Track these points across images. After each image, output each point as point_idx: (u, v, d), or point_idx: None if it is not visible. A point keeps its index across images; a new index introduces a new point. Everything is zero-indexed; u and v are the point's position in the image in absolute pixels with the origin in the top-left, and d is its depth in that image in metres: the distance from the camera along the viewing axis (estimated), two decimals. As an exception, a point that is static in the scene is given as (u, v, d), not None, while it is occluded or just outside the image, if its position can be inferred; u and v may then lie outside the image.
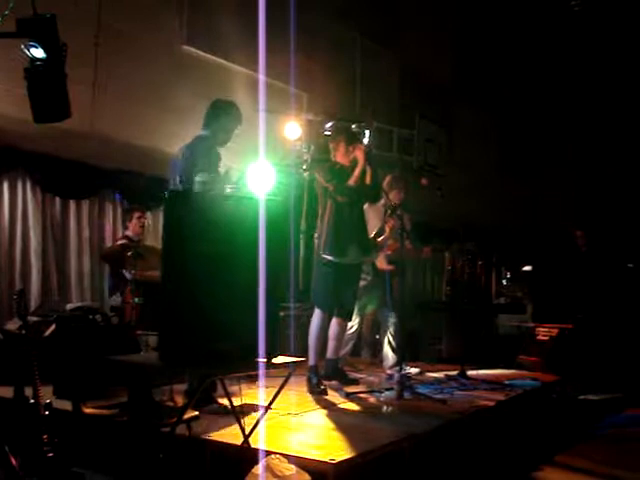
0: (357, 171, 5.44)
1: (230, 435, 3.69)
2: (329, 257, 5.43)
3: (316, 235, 5.66)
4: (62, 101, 3.58)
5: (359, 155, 5.45)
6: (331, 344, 5.70)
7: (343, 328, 5.78)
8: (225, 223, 3.23)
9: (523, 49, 12.47)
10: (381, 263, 6.34)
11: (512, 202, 13.30)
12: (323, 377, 5.64)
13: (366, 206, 6.36)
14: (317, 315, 5.51)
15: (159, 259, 4.59)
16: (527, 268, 10.04)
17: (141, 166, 7.29)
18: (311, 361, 5.42)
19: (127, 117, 7.14)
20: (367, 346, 7.32)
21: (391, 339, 6.34)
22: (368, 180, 5.53)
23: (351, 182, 5.43)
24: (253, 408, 4.13)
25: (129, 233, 6.77)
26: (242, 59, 8.02)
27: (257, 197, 3.64)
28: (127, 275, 5.85)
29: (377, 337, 7.02)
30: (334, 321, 5.64)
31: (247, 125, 7.48)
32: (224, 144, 5.07)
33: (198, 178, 4.56)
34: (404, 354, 6.03)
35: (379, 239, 6.22)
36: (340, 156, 5.59)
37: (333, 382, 5.68)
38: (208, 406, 4.31)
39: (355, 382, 5.80)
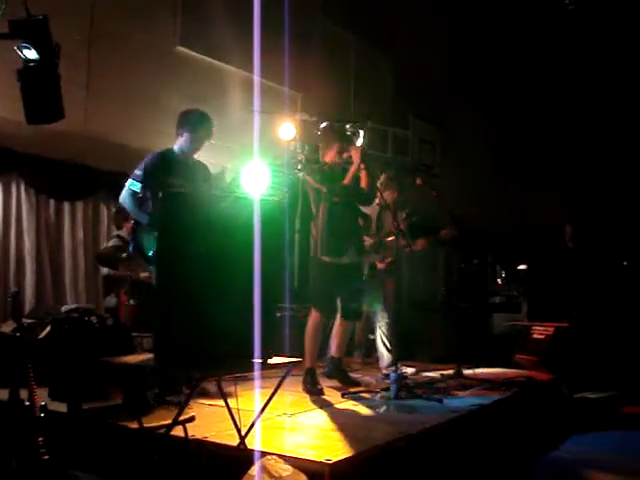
0: (351, 170, 5.43)
1: (226, 436, 3.68)
2: (327, 258, 5.41)
3: (311, 237, 5.62)
4: (55, 102, 3.58)
5: (354, 156, 5.44)
6: (334, 343, 5.69)
7: (347, 328, 5.73)
8: (220, 223, 3.22)
9: (517, 49, 12.48)
10: (380, 263, 6.35)
11: (506, 201, 13.32)
12: (324, 375, 5.64)
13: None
14: (313, 316, 5.49)
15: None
16: (522, 267, 10.05)
17: (135, 167, 7.27)
18: (307, 362, 5.40)
19: (121, 118, 7.13)
20: (360, 346, 7.31)
21: (384, 338, 6.33)
22: (364, 183, 5.53)
23: (345, 182, 5.42)
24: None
25: (122, 233, 6.71)
26: (236, 60, 8.02)
27: (252, 197, 3.64)
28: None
29: (370, 337, 7.01)
30: (338, 321, 5.63)
31: (242, 126, 7.52)
32: (194, 153, 5.17)
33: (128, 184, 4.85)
34: (399, 354, 6.02)
35: (388, 239, 6.23)
36: (330, 156, 5.56)
37: (333, 381, 5.67)
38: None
39: (356, 383, 5.70)
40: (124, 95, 7.16)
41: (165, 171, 4.89)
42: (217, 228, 3.20)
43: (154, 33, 7.55)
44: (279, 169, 8.01)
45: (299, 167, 7.69)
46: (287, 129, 8.03)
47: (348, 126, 5.55)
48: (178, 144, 5.06)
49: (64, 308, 5.83)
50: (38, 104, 3.55)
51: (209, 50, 8.00)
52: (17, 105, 3.59)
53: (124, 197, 4.99)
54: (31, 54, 3.42)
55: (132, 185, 4.92)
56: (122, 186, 7.38)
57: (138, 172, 4.93)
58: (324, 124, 5.89)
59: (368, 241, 6.28)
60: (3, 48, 3.77)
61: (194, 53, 7.93)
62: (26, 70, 3.48)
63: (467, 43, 12.31)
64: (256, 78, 7.31)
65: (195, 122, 5.02)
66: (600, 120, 12.47)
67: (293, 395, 5.13)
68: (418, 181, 6.75)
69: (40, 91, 3.52)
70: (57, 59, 3.50)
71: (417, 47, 11.23)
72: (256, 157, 7.26)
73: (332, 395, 5.29)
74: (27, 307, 6.53)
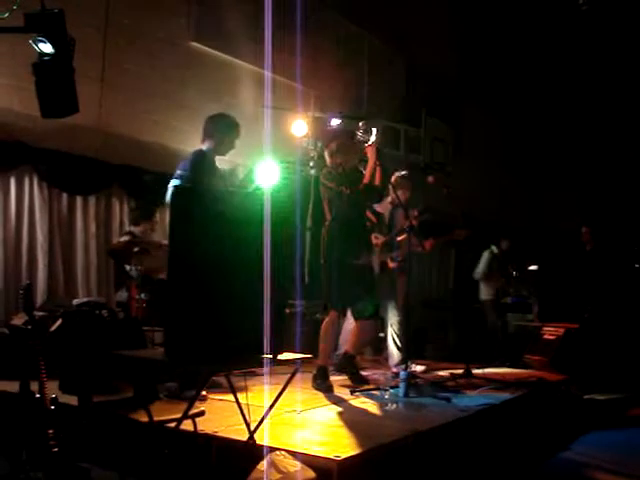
0: (368, 169, 5.41)
1: (235, 431, 3.69)
2: (344, 260, 5.39)
3: (323, 237, 5.58)
4: (70, 96, 3.58)
5: (370, 153, 5.42)
6: (351, 340, 5.70)
7: (364, 326, 5.68)
8: (231, 219, 3.22)
9: (530, 48, 12.44)
10: (390, 262, 6.35)
11: (518, 201, 13.29)
12: (334, 370, 5.64)
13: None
14: (330, 316, 5.47)
15: (165, 254, 4.60)
16: (533, 267, 10.01)
17: (148, 162, 7.30)
18: (320, 360, 5.41)
19: (134, 113, 7.16)
20: (371, 344, 7.29)
21: (395, 337, 6.33)
22: (377, 181, 5.52)
23: (364, 181, 5.41)
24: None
25: (133, 229, 6.72)
26: (249, 56, 8.03)
27: (263, 193, 3.64)
28: (133, 272, 5.80)
29: (381, 335, 7.00)
30: (356, 322, 5.62)
31: (254, 122, 7.53)
32: (226, 154, 5.16)
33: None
34: (409, 352, 6.01)
35: (399, 238, 6.21)
36: (344, 158, 5.51)
37: (343, 378, 5.67)
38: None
39: (365, 381, 5.69)
40: (138, 90, 7.18)
41: (207, 171, 4.90)
42: (228, 223, 3.20)
43: (168, 28, 7.57)
44: (291, 166, 8.00)
45: (311, 164, 7.68)
46: (299, 126, 8.02)
47: (361, 124, 5.53)
48: (207, 146, 5.03)
49: (75, 301, 5.85)
50: (53, 98, 3.55)
51: (222, 46, 8.01)
52: (32, 99, 3.60)
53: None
54: (46, 48, 3.42)
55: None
56: (135, 180, 7.45)
57: (182, 172, 4.84)
58: (336, 122, 5.88)
59: (380, 239, 6.27)
60: (18, 42, 3.78)
61: (208, 48, 7.93)
62: (41, 64, 3.49)
63: (480, 42, 12.27)
64: (267, 74, 7.31)
65: (227, 128, 5.03)
66: (615, 120, 12.42)
67: (303, 391, 5.12)
68: (430, 179, 6.73)
69: (55, 85, 3.52)
70: (72, 53, 3.50)
71: (430, 45, 11.21)
72: (268, 154, 7.26)
73: (342, 392, 5.30)
74: (39, 300, 6.55)
